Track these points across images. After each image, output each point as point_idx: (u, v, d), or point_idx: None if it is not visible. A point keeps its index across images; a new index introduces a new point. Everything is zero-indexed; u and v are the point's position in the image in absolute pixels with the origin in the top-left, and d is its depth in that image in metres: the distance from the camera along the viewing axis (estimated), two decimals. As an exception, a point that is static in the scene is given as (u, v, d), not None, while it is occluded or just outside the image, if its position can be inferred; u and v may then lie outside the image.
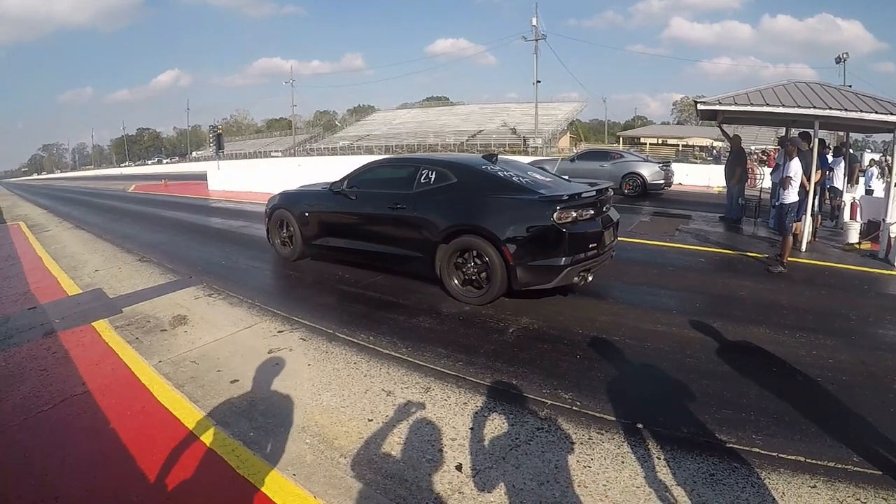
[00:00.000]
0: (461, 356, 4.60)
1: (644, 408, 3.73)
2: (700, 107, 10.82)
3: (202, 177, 30.35)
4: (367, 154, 52.76)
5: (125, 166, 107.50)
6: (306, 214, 7.78)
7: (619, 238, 6.59)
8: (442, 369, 4.37)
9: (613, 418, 3.58)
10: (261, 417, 3.71)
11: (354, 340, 5.04)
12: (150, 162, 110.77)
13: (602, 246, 5.83)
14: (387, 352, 4.77)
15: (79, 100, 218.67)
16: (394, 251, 6.64)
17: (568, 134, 69.26)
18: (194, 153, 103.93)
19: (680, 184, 21.08)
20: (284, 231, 8.27)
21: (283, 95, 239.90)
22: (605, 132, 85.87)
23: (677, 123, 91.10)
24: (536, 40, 49.42)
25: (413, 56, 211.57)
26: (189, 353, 4.90)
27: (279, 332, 5.33)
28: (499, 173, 6.20)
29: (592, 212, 5.74)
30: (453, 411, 3.71)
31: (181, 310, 6.16)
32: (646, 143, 63.13)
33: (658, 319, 5.42)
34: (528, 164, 8.24)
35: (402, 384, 4.14)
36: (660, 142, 65.50)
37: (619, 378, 4.18)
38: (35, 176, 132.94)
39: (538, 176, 6.50)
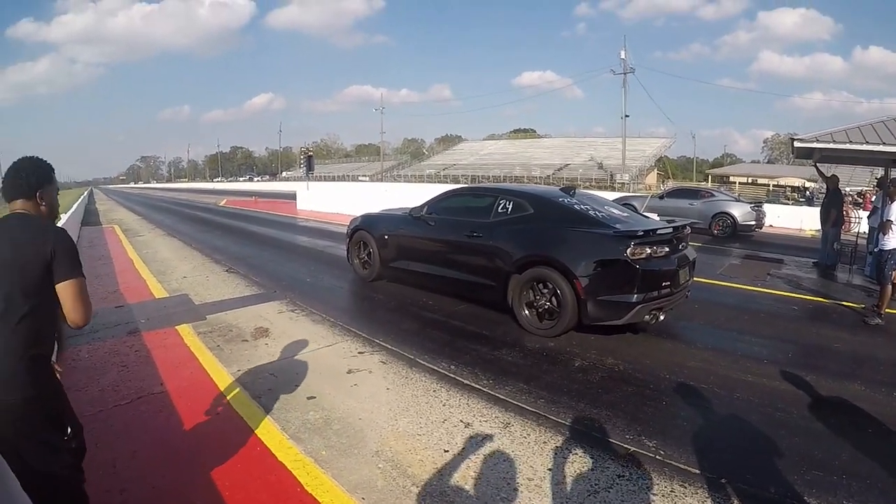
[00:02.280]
0: (543, 393, 4.53)
1: (730, 462, 3.56)
2: (797, 144, 10.58)
3: (291, 196, 31.68)
4: (453, 183, 53.67)
5: (217, 181, 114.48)
6: (386, 237, 8.18)
7: (708, 281, 6.36)
8: (523, 405, 4.30)
9: (698, 471, 3.39)
10: (335, 437, 3.74)
11: (435, 368, 5.05)
12: (241, 179, 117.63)
13: (676, 285, 5.82)
14: (467, 382, 4.74)
15: (177, 117, 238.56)
16: (468, 278, 6.85)
17: (655, 170, 68.40)
18: (284, 173, 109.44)
19: (771, 225, 20.31)
20: (364, 252, 8.70)
21: (372, 122, 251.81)
22: (693, 169, 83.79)
23: (768, 162, 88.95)
24: (625, 73, 48.80)
25: (500, 88, 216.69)
26: (268, 365, 5.05)
27: (360, 353, 5.41)
28: (575, 206, 6.33)
29: (668, 249, 5.77)
30: (532, 449, 3.62)
31: (264, 322, 6.39)
32: (735, 182, 60.81)
33: (748, 368, 5.17)
34: (616, 200, 8.15)
35: (482, 417, 4.09)
36: (749, 181, 62.90)
37: (705, 428, 4.03)
38: (132, 184, 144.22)
39: (615, 211, 6.58)
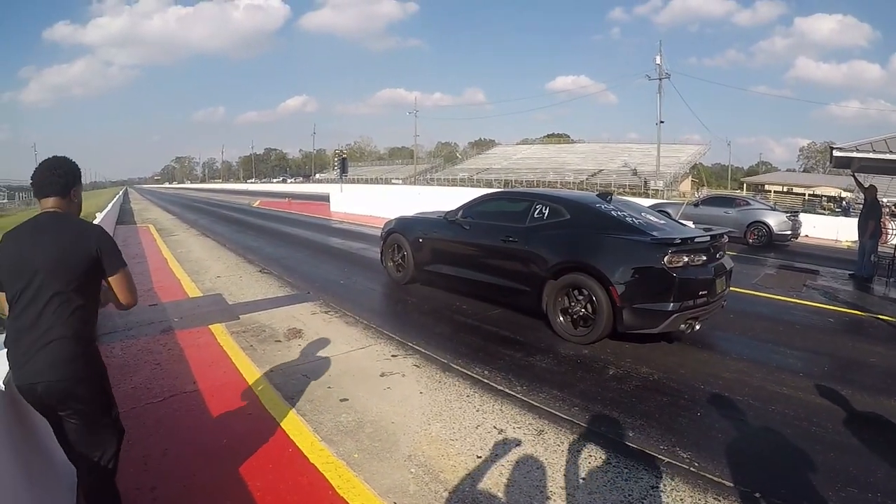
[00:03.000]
0: (577, 401, 4.49)
1: (764, 476, 3.50)
2: (835, 153, 10.40)
3: (324, 198, 31.98)
4: (487, 187, 53.68)
5: (251, 182, 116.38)
6: (420, 240, 8.27)
7: (743, 290, 6.28)
8: (557, 412, 4.27)
9: (731, 484, 3.33)
10: (367, 440, 3.74)
11: (469, 373, 5.03)
12: (275, 180, 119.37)
13: (713, 294, 5.76)
14: (501, 388, 4.71)
15: (211, 118, 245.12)
16: (502, 283, 6.87)
17: (690, 177, 67.72)
18: (318, 175, 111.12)
19: (806, 235, 19.95)
20: (398, 255, 8.80)
21: (405, 125, 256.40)
22: (728, 177, 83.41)
23: (803, 171, 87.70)
24: (660, 79, 48.54)
25: (533, 92, 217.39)
26: (301, 366, 5.09)
27: (393, 356, 5.42)
28: (612, 213, 6.33)
29: (705, 258, 5.72)
30: (565, 458, 3.59)
31: (297, 323, 6.44)
32: (770, 191, 59.95)
33: (784, 381, 5.07)
34: (650, 207, 8.07)
35: (515, 423, 4.06)
36: (785, 190, 61.99)
37: (739, 441, 3.96)
38: (166, 184, 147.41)
39: (652, 218, 6.54)
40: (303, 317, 6.76)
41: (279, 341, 5.80)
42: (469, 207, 7.79)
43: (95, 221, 13.72)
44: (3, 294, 2.41)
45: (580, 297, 5.92)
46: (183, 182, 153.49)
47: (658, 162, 53.37)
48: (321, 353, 5.43)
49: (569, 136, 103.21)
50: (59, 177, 2.50)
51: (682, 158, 68.34)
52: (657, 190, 52.00)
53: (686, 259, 5.53)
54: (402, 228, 8.74)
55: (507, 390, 4.67)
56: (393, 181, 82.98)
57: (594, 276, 5.75)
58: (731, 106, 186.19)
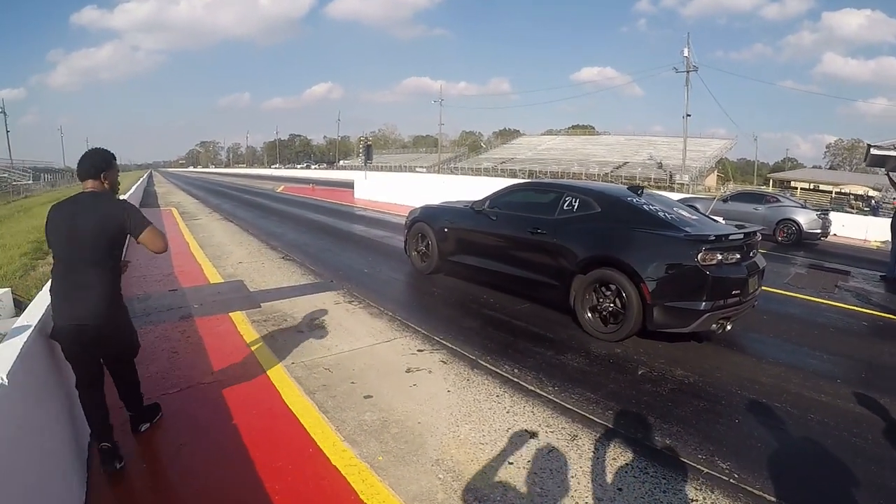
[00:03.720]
0: (611, 403, 4.31)
1: (805, 489, 3.38)
2: (873, 151, 10.25)
3: (348, 184, 32.01)
4: (511, 177, 53.47)
5: (275, 168, 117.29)
6: (445, 230, 8.15)
7: (775, 290, 6.30)
8: (590, 416, 4.09)
9: (774, 499, 3.18)
10: (392, 441, 3.57)
11: (498, 371, 4.84)
12: (299, 166, 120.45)
13: (745, 293, 5.64)
14: (532, 388, 4.52)
15: (237, 104, 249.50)
16: (529, 276, 6.76)
17: (715, 172, 67.37)
18: (342, 162, 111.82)
19: (835, 234, 19.48)
20: (422, 244, 8.70)
21: (430, 114, 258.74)
22: (753, 173, 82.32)
23: (830, 168, 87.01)
24: (688, 71, 47.54)
25: (558, 83, 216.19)
26: (323, 359, 4.93)
27: (419, 350, 5.24)
28: (644, 207, 6.21)
29: (738, 256, 5.61)
30: (601, 465, 3.42)
31: (320, 313, 6.30)
32: (796, 188, 58.80)
33: (821, 388, 4.88)
34: (678, 201, 7.83)
35: (548, 427, 3.87)
36: (811, 187, 60.89)
37: (779, 451, 3.80)
38: (191, 168, 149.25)
39: (684, 213, 6.40)
40: (326, 306, 6.61)
41: (301, 332, 5.66)
42: (497, 198, 7.66)
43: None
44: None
45: (608, 293, 5.80)
46: (207, 166, 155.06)
47: (684, 156, 52.73)
48: (344, 346, 5.26)
49: (594, 128, 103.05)
50: (92, 164, 3.22)
51: (707, 153, 68.04)
52: (682, 184, 51.60)
53: (720, 257, 5.40)
54: (427, 217, 8.62)
55: (538, 391, 4.48)
56: (417, 169, 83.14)
57: (624, 271, 5.64)
58: (757, 101, 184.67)
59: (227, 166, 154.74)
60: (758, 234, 6.11)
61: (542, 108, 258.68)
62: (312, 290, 7.38)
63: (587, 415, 4.09)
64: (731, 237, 5.61)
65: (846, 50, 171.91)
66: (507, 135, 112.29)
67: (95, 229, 3.04)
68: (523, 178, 55.43)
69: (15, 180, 46.02)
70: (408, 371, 4.71)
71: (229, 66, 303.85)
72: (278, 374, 4.53)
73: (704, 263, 5.27)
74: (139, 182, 35.93)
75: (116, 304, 3.24)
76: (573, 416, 4.07)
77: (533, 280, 6.70)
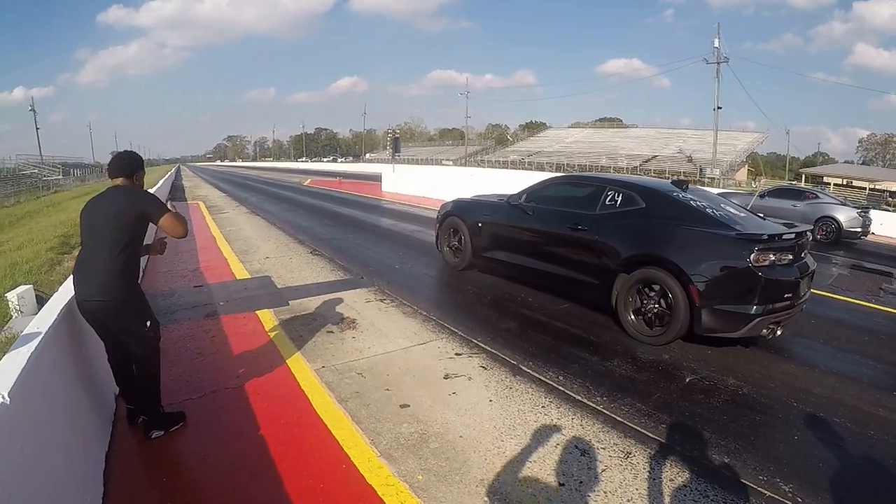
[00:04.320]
0: (664, 416, 4.01)
1: None
2: None
3: (375, 177, 31.91)
4: (538, 170, 53.00)
5: (302, 161, 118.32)
6: (479, 225, 7.88)
7: (819, 292, 6.15)
8: (643, 430, 3.79)
9: None
10: (432, 458, 3.28)
11: (542, 378, 4.53)
12: (325, 159, 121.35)
13: (797, 297, 5.37)
14: (579, 398, 4.21)
15: (262, 98, 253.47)
16: (568, 274, 6.48)
17: (746, 167, 66.25)
18: (368, 155, 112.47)
19: (873, 233, 18.74)
20: (454, 239, 8.45)
21: (455, 107, 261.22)
22: (784, 167, 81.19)
23: (862, 163, 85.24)
24: (718, 63, 46.70)
25: (585, 75, 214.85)
26: (356, 362, 4.67)
27: (457, 354, 4.95)
28: (691, 202, 5.93)
29: (791, 257, 5.35)
30: (658, 488, 3.15)
31: (350, 312, 6.05)
32: (829, 183, 56.91)
33: (879, 401, 4.55)
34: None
35: (599, 442, 3.57)
36: (844, 183, 58.88)
37: (841, 472, 3.52)
38: (218, 162, 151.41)
39: (731, 209, 6.10)
40: (357, 304, 6.36)
41: (331, 332, 5.40)
42: (534, 191, 7.35)
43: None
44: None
45: (652, 294, 5.53)
46: (234, 160, 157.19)
47: (714, 149, 51.96)
48: (377, 348, 5.00)
49: (621, 121, 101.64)
50: (127, 162, 3.47)
51: (738, 146, 67.03)
52: (713, 178, 50.72)
53: (772, 258, 5.12)
54: (460, 211, 8.34)
55: (585, 401, 4.18)
56: (443, 162, 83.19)
57: (671, 271, 5.36)
58: (787, 93, 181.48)
59: (253, 160, 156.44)
60: (808, 233, 5.79)
61: (568, 101, 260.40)
62: (342, 287, 7.13)
63: (639, 428, 3.80)
64: (784, 237, 5.32)
65: (878, 41, 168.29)
66: (533, 127, 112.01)
67: (113, 213, 3.23)
68: (551, 171, 55.00)
69: (45, 176, 46.61)
70: (446, 377, 4.42)
71: (255, 61, 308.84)
72: (308, 379, 4.28)
73: (757, 264, 5.00)
74: (167, 176, 36.25)
75: (125, 286, 3.27)
76: (625, 429, 3.78)
77: (572, 278, 6.42)
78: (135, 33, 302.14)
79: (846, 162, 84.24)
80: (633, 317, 5.67)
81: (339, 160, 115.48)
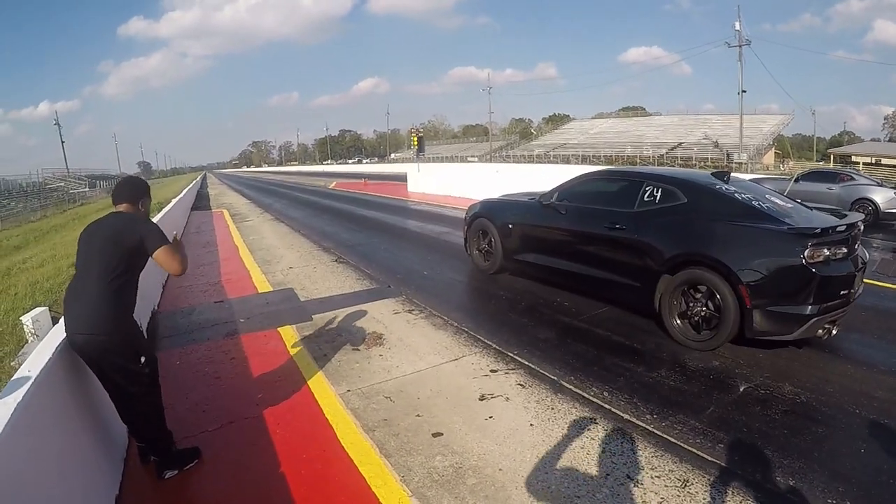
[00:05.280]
0: (720, 434, 3.65)
1: None
2: None
3: (400, 177, 31.74)
4: (564, 163, 52.43)
5: (327, 164, 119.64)
6: (509, 226, 7.60)
7: (865, 280, 5.65)
8: (699, 452, 3.44)
9: None
10: (470, 497, 2.97)
11: (585, 396, 4.18)
12: (350, 161, 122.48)
13: (853, 292, 5.04)
14: (627, 417, 3.86)
15: (286, 103, 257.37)
16: (607, 277, 6.16)
17: (773, 149, 64.85)
18: (392, 155, 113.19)
19: None
20: (484, 241, 8.16)
21: (478, 103, 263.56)
22: (812, 148, 79.53)
23: (889, 140, 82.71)
24: (740, 46, 45.74)
25: (605, 65, 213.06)
26: (383, 384, 4.38)
27: (492, 371, 4.62)
28: (736, 195, 5.58)
29: (845, 250, 4.97)
30: None
31: (377, 325, 5.78)
32: (858, 163, 55.13)
33: None
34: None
35: (652, 470, 3.23)
36: (873, 161, 56.98)
37: None
38: (244, 168, 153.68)
39: (778, 201, 5.67)
40: (384, 317, 6.08)
41: (357, 349, 5.13)
42: (566, 189, 6.99)
43: (167, 208, 13.85)
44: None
45: (699, 296, 5.21)
46: (260, 166, 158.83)
47: (741, 134, 51.19)
48: (407, 367, 4.71)
49: (644, 109, 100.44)
50: (133, 189, 3.37)
51: (764, 129, 65.56)
52: (741, 163, 49.69)
53: (827, 252, 4.77)
54: (489, 212, 8.05)
55: (634, 420, 3.83)
56: (468, 159, 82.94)
57: (719, 271, 5.02)
58: (809, 73, 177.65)
59: (279, 165, 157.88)
60: (860, 223, 5.39)
61: (590, 92, 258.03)
62: (368, 298, 6.87)
63: (695, 450, 3.45)
64: (836, 229, 4.96)
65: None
66: (557, 120, 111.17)
67: (112, 237, 3.09)
68: (577, 163, 54.42)
69: (71, 189, 47.39)
70: (481, 398, 4.10)
71: (276, 66, 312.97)
72: (332, 406, 4.00)
73: (812, 261, 4.67)
74: (191, 185, 36.53)
75: (113, 318, 3.02)
76: (679, 453, 3.42)
77: (610, 281, 6.09)
78: (156, 44, 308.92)
79: (873, 140, 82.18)
80: (678, 321, 5.34)
81: (365, 161, 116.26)
